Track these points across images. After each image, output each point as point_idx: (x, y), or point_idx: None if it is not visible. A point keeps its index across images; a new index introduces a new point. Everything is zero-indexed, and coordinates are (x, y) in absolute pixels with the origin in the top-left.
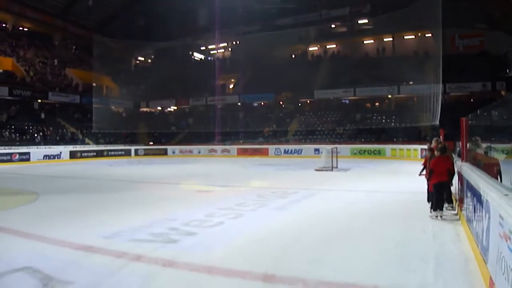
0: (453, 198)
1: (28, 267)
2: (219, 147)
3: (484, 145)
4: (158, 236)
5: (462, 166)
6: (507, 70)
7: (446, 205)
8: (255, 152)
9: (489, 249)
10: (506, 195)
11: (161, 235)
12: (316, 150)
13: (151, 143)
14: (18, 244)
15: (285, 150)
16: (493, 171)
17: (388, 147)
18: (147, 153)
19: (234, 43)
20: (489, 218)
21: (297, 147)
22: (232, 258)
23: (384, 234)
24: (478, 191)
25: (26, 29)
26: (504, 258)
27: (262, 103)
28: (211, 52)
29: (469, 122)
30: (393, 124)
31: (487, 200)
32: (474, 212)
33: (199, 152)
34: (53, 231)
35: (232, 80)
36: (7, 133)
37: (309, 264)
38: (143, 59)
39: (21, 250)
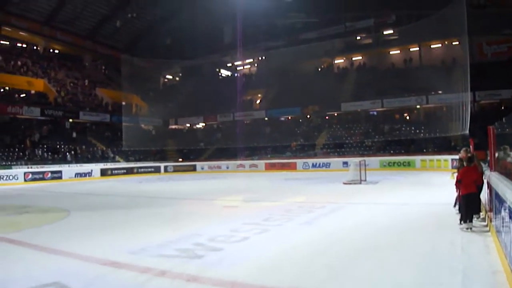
0: (483, 209)
1: (56, 282)
2: (247, 162)
3: None
4: (184, 251)
5: (490, 176)
6: None
7: (476, 216)
8: (283, 167)
9: None
10: None
11: (186, 251)
12: (345, 163)
13: (180, 159)
14: (47, 260)
15: (313, 163)
16: None
17: (417, 158)
18: (176, 169)
19: (260, 58)
20: None
21: (325, 160)
22: (255, 273)
23: (412, 247)
24: (505, 201)
25: (57, 51)
26: None
27: (289, 118)
28: (238, 68)
29: (496, 130)
30: (422, 134)
31: None
32: (503, 223)
33: (227, 168)
34: (81, 247)
35: (259, 95)
36: (39, 152)
37: (334, 278)
38: (171, 77)
39: (50, 266)
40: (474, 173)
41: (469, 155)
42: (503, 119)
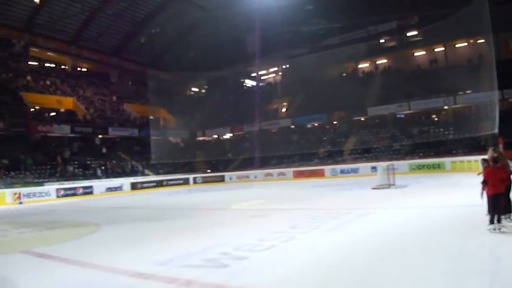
0: None
1: None
2: (275, 171)
3: None
4: (210, 261)
5: None
6: None
7: (506, 216)
8: (311, 174)
9: None
10: None
11: (212, 260)
12: (373, 168)
13: (209, 170)
14: (75, 273)
15: (341, 170)
16: None
17: (447, 160)
18: (205, 180)
19: (284, 67)
20: None
21: (353, 166)
22: (281, 281)
23: (439, 251)
24: None
25: (85, 69)
26: None
27: (315, 124)
28: (262, 77)
29: None
30: (451, 135)
31: None
32: None
33: (255, 177)
34: (109, 259)
35: (284, 103)
36: (71, 168)
37: (359, 284)
38: (196, 89)
39: (78, 278)
40: (501, 172)
41: (495, 155)
42: None
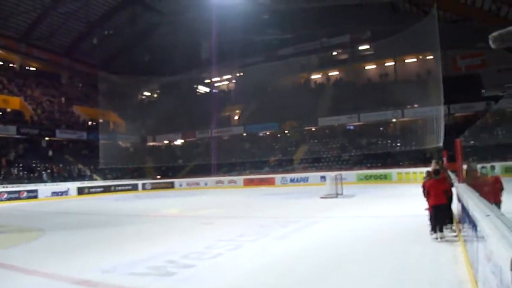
0: (454, 219)
1: None
2: (225, 178)
3: (480, 165)
4: (156, 269)
5: (458, 188)
6: (482, 91)
7: (447, 226)
8: (261, 182)
9: (479, 271)
10: (488, 215)
11: (158, 268)
12: (322, 177)
13: (158, 176)
14: (19, 280)
15: (291, 178)
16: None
17: (394, 171)
18: (155, 187)
19: (238, 74)
20: (477, 239)
21: (303, 175)
22: None
23: (382, 259)
24: (469, 212)
25: (34, 69)
26: (488, 280)
27: (267, 133)
28: (216, 84)
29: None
30: (398, 147)
31: (475, 222)
32: (468, 233)
33: (205, 184)
34: (54, 267)
35: (237, 111)
36: (15, 171)
37: None
38: (148, 94)
39: (22, 286)
40: (443, 184)
41: (437, 167)
42: (465, 132)
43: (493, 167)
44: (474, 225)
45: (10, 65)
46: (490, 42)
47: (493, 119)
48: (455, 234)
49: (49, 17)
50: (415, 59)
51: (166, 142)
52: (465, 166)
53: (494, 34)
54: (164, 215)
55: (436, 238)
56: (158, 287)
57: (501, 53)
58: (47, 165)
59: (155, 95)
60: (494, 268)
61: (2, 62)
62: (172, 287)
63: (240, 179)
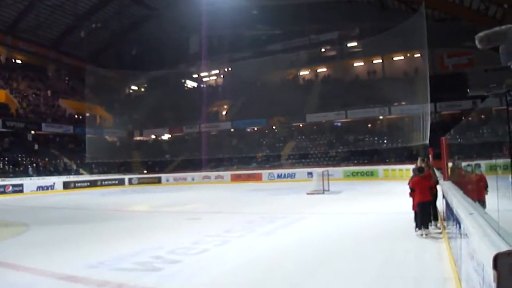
0: (439, 217)
1: None
2: (212, 174)
3: (466, 163)
4: (142, 264)
5: (443, 185)
6: (468, 90)
7: (433, 223)
8: (248, 178)
9: (462, 268)
10: (471, 213)
11: (144, 264)
12: (309, 173)
13: (145, 171)
14: (3, 275)
15: (278, 174)
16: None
17: (380, 168)
18: (141, 181)
19: (226, 70)
20: (461, 237)
21: (290, 171)
22: (212, 285)
23: (368, 256)
24: (453, 209)
25: (19, 61)
26: (471, 278)
27: (255, 129)
28: (204, 79)
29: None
30: (385, 145)
31: (459, 219)
32: (452, 231)
33: (193, 179)
34: (38, 262)
35: (225, 106)
36: (0, 164)
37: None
38: (136, 88)
39: (7, 281)
40: (428, 181)
41: (422, 165)
42: (451, 130)
43: (478, 165)
44: (457, 223)
45: None
46: (477, 42)
47: (479, 118)
48: (439, 231)
49: (36, 9)
50: (402, 57)
51: (153, 136)
52: (450, 164)
53: (481, 34)
54: (150, 211)
55: (422, 235)
56: (145, 283)
57: (488, 52)
58: (32, 159)
59: (143, 89)
60: (477, 266)
61: None
62: (159, 282)
63: (227, 174)
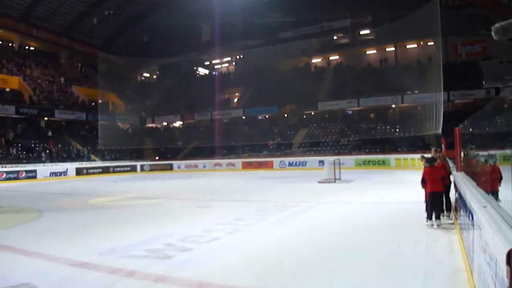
0: (451, 207)
1: (25, 283)
2: (224, 161)
3: (479, 153)
4: (154, 252)
5: (455, 176)
6: (483, 82)
7: (445, 214)
8: (259, 165)
9: (474, 261)
10: (485, 206)
11: (156, 251)
12: (321, 161)
13: (157, 158)
14: (17, 261)
15: (289, 162)
16: (492, 178)
17: (392, 157)
18: (153, 168)
19: (237, 57)
20: (473, 229)
21: (301, 159)
22: (223, 273)
23: (378, 246)
24: (466, 201)
25: (33, 48)
26: (483, 271)
27: (267, 116)
28: (215, 66)
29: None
30: (397, 133)
31: (472, 211)
32: (464, 223)
33: (204, 167)
34: (52, 248)
35: (237, 94)
36: (14, 151)
37: (298, 278)
38: (148, 75)
39: (20, 267)
40: (440, 171)
41: (431, 156)
42: (465, 121)
43: (491, 156)
44: (470, 215)
45: (9, 44)
46: (493, 33)
47: (493, 107)
48: (451, 222)
49: None
50: (415, 45)
51: (165, 123)
52: (463, 154)
53: (497, 25)
54: (162, 197)
55: (432, 225)
56: (156, 270)
57: (503, 42)
58: (46, 145)
59: (155, 77)
60: (490, 260)
61: (1, 41)
62: (170, 270)
63: (238, 162)
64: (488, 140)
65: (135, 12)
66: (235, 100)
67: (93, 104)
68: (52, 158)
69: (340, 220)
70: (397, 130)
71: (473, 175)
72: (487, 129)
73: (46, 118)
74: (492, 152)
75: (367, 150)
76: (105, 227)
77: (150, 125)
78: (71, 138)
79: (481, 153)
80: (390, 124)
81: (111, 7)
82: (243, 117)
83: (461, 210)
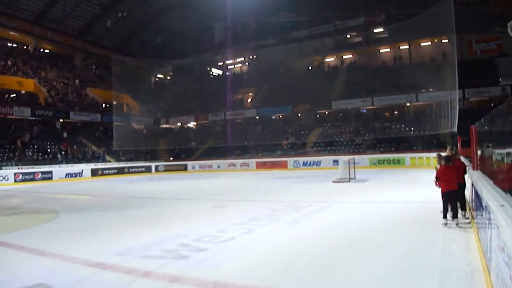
0: (468, 206)
1: (40, 283)
2: (238, 161)
3: (497, 151)
4: (169, 252)
5: (472, 175)
6: (499, 79)
7: (461, 213)
8: (273, 165)
9: (492, 260)
10: (502, 205)
11: (171, 251)
12: (335, 161)
13: (171, 159)
14: (33, 262)
15: (303, 162)
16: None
17: (407, 156)
18: (167, 169)
19: (251, 57)
20: (491, 228)
21: (315, 159)
22: (238, 273)
23: (393, 246)
24: (483, 200)
25: (47, 51)
26: (501, 270)
27: (280, 116)
28: (229, 67)
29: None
30: (412, 132)
31: (489, 210)
32: (482, 222)
33: (218, 167)
34: (68, 249)
35: (250, 94)
36: (30, 152)
37: (313, 278)
38: (162, 76)
39: (36, 268)
40: (453, 171)
41: (447, 154)
42: (481, 119)
43: (508, 154)
44: (487, 214)
45: (24, 47)
46: (509, 30)
47: (509, 104)
48: (468, 221)
49: None
50: (430, 43)
51: (179, 124)
52: (479, 153)
53: None
54: (176, 198)
55: (446, 224)
56: (171, 270)
57: None
58: (61, 146)
59: (168, 78)
60: (508, 259)
61: (16, 44)
62: (185, 270)
63: (252, 162)
64: (505, 138)
65: (148, 14)
66: (249, 100)
67: (107, 105)
68: (68, 160)
69: (355, 219)
70: (412, 128)
71: (490, 173)
72: (504, 127)
73: (61, 120)
74: (509, 150)
75: (381, 149)
76: (120, 227)
77: (164, 125)
78: (86, 140)
79: (497, 151)
80: (404, 123)
81: (124, 9)
82: (257, 117)
83: (478, 210)
